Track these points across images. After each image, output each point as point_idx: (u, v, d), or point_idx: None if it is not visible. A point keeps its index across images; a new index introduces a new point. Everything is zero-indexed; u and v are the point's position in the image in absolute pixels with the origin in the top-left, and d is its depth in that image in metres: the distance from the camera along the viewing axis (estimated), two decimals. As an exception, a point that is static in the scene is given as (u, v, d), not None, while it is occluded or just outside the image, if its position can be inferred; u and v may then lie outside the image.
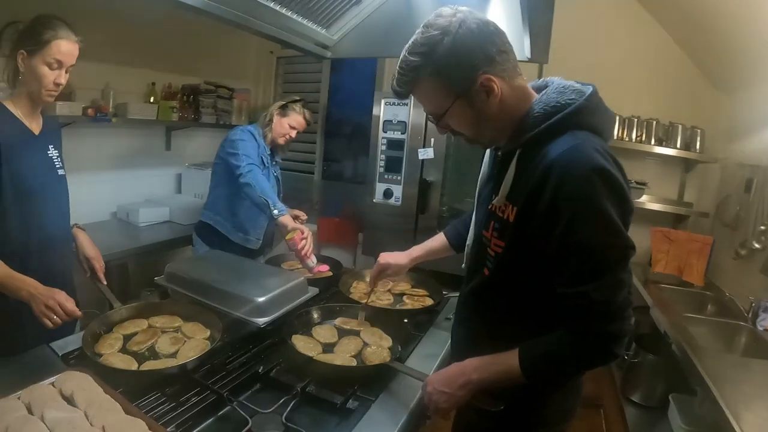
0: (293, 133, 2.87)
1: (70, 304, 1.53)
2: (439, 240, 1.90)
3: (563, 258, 1.11)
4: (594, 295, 1.07)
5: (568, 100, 1.15)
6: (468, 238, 1.50)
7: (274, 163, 2.97)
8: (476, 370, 1.26)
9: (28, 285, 1.55)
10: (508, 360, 1.20)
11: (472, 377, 1.26)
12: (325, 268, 2.59)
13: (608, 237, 1.06)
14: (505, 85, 1.16)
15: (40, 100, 1.72)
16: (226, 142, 2.76)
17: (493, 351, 1.25)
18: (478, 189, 1.46)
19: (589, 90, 1.17)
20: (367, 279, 2.44)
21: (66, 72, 1.69)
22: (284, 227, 2.38)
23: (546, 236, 1.11)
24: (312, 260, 2.39)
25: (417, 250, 1.92)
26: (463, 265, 1.49)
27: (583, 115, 1.14)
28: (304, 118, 2.87)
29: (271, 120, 2.85)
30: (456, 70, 1.14)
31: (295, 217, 2.78)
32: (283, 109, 2.85)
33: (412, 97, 1.26)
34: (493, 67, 1.14)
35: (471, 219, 1.51)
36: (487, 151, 1.44)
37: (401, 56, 1.19)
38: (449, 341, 1.58)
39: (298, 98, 2.91)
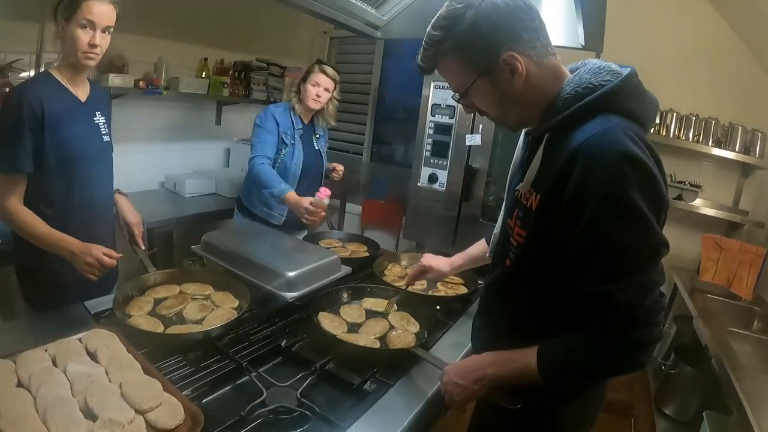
0: (320, 91, 2.79)
1: (106, 258, 1.61)
2: (480, 247, 1.85)
3: (588, 254, 1.01)
4: (620, 297, 0.97)
5: (602, 81, 1.06)
6: (495, 227, 1.45)
7: (317, 136, 2.97)
8: (493, 364, 1.21)
9: (69, 244, 1.63)
10: (527, 358, 1.13)
11: (487, 372, 1.21)
12: (325, 193, 2.53)
13: (638, 232, 0.97)
14: (533, 64, 1.08)
15: (80, 65, 1.73)
16: (253, 125, 2.85)
17: (511, 345, 1.19)
18: (509, 176, 1.39)
19: (626, 71, 1.08)
20: (403, 263, 2.44)
21: (104, 33, 1.69)
22: (293, 205, 2.52)
23: (570, 228, 1.02)
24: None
25: (459, 259, 1.88)
26: (487, 255, 1.46)
27: (617, 98, 1.04)
28: (324, 73, 2.79)
29: (298, 91, 2.86)
30: (478, 46, 1.07)
31: (332, 170, 3.08)
32: (305, 76, 2.84)
33: None
34: (518, 44, 1.06)
35: None
36: (521, 136, 1.34)
37: (427, 30, 1.14)
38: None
39: (318, 60, 2.91)
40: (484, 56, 1.08)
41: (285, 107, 2.87)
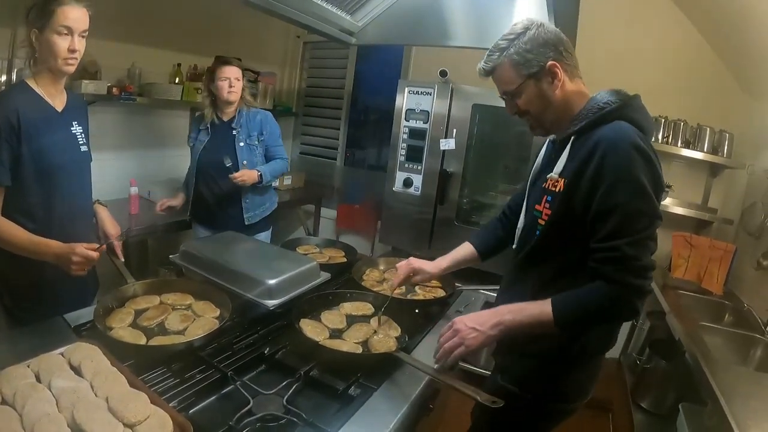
0: (232, 82, 2.86)
1: (91, 252, 1.63)
2: (465, 249, 1.92)
3: (602, 217, 1.28)
4: (626, 249, 1.24)
5: (617, 99, 1.38)
6: (519, 221, 1.63)
7: (235, 131, 2.98)
8: (510, 312, 1.40)
9: (51, 247, 1.64)
10: (541, 306, 1.34)
11: (505, 317, 1.39)
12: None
13: (643, 202, 1.25)
14: (567, 78, 1.42)
15: (59, 72, 1.72)
16: None
17: None
18: (531, 179, 1.63)
19: (634, 95, 1.42)
20: (381, 267, 2.46)
21: (81, 37, 1.69)
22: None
23: (589, 199, 1.30)
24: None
25: (445, 261, 1.93)
26: (513, 246, 1.64)
27: (628, 111, 1.36)
28: (228, 64, 2.87)
29: (209, 95, 2.96)
30: (531, 54, 1.39)
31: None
32: (210, 77, 2.91)
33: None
34: (560, 58, 1.39)
35: (496, 225, 1.86)
36: (546, 144, 1.63)
37: (492, 44, 1.46)
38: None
39: (216, 56, 3.06)
40: (535, 62, 1.39)
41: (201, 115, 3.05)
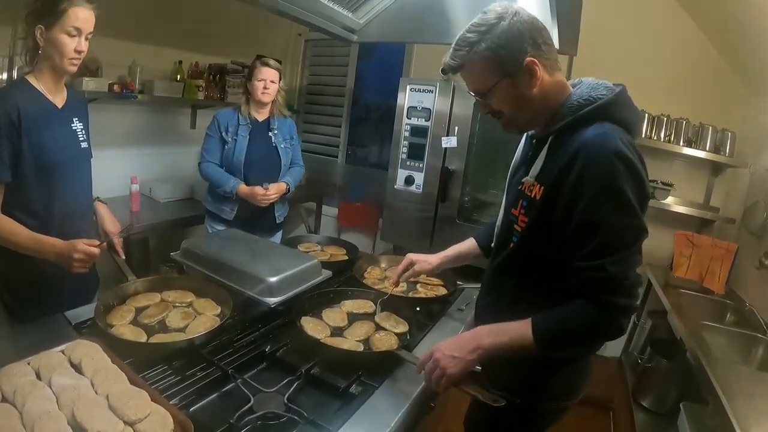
0: (267, 84, 2.86)
1: (92, 248, 1.63)
2: (468, 244, 1.90)
3: (584, 233, 1.19)
4: (611, 269, 1.16)
5: (600, 95, 1.27)
6: (497, 219, 1.58)
7: (273, 130, 3.00)
8: (489, 334, 1.32)
9: (52, 245, 1.64)
10: (521, 328, 1.26)
11: (483, 342, 1.31)
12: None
13: (627, 216, 1.17)
14: (546, 74, 1.29)
15: (63, 71, 1.73)
16: None
17: (514, 319, 1.31)
18: (509, 174, 1.56)
19: (619, 88, 1.30)
20: (382, 265, 2.45)
21: (86, 39, 1.69)
22: (247, 195, 2.85)
23: (570, 211, 1.21)
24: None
25: (448, 251, 1.93)
26: (492, 244, 1.60)
27: (612, 109, 1.25)
28: (266, 65, 2.86)
29: (245, 91, 2.97)
30: (506, 50, 1.24)
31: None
32: (249, 75, 2.92)
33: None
34: (539, 54, 1.26)
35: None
36: (522, 139, 1.54)
37: (459, 35, 1.31)
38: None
39: (257, 55, 2.96)
40: (510, 59, 1.25)
41: (232, 109, 2.98)
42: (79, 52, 1.68)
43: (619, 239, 1.17)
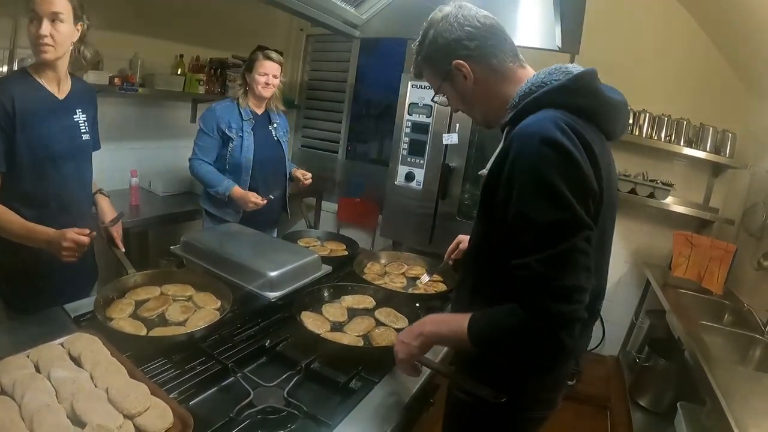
0: (270, 79, 2.72)
1: (82, 237, 1.61)
2: None
3: (516, 228, 1.08)
4: (536, 267, 1.02)
5: (553, 80, 1.18)
6: None
7: (273, 125, 2.91)
8: (432, 323, 1.31)
9: (44, 233, 1.62)
10: (461, 321, 1.18)
11: (425, 329, 1.30)
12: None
13: (554, 210, 1.02)
14: (484, 69, 1.27)
15: (37, 57, 1.67)
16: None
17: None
18: None
19: (577, 72, 1.18)
20: (382, 261, 2.47)
21: (54, 22, 1.61)
22: (240, 200, 2.68)
23: (505, 207, 1.10)
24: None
25: None
26: None
27: (562, 95, 1.14)
28: (269, 58, 2.70)
29: (243, 84, 2.80)
30: (436, 57, 1.32)
31: (302, 177, 3.00)
32: (249, 66, 2.75)
33: None
34: (466, 53, 1.26)
35: None
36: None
37: None
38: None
39: (258, 46, 2.80)
40: (441, 64, 1.31)
41: (229, 101, 2.81)
42: (39, 37, 1.60)
43: (547, 236, 1.03)
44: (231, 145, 2.75)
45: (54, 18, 1.61)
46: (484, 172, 1.26)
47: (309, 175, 3.00)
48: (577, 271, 1.02)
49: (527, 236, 1.05)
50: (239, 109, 2.77)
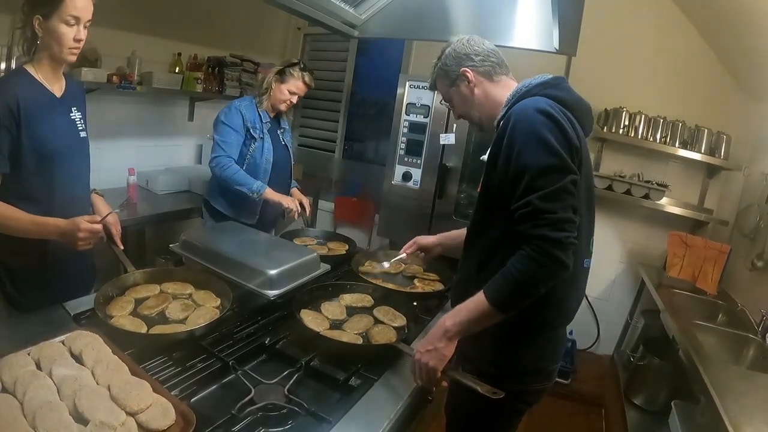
0: (294, 99, 2.74)
1: (95, 225, 1.64)
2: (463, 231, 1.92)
3: (516, 180, 1.32)
4: (537, 203, 1.27)
5: (538, 82, 1.47)
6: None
7: (282, 130, 2.93)
8: (449, 318, 1.41)
9: (56, 224, 1.63)
10: (475, 299, 1.36)
11: (446, 325, 1.40)
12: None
13: (550, 157, 1.29)
14: (485, 78, 1.59)
15: (62, 60, 1.71)
16: (216, 121, 2.75)
17: (480, 283, 1.38)
18: None
19: (552, 76, 1.51)
20: (380, 259, 2.47)
21: (84, 28, 1.67)
22: (275, 202, 2.69)
23: (506, 168, 1.35)
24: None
25: (450, 232, 2.13)
26: None
27: (546, 88, 1.45)
28: (304, 81, 2.72)
29: (268, 87, 2.76)
30: (449, 65, 1.62)
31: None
32: (281, 75, 2.73)
33: None
34: (472, 65, 1.58)
35: None
36: None
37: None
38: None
39: (296, 61, 2.78)
40: (451, 72, 1.62)
41: (250, 101, 2.80)
42: (78, 41, 1.66)
43: (544, 177, 1.28)
44: (253, 145, 2.75)
45: (86, 24, 1.67)
46: (485, 157, 1.49)
47: (307, 201, 2.95)
48: (567, 206, 1.28)
49: (529, 180, 1.29)
50: (258, 111, 2.77)
